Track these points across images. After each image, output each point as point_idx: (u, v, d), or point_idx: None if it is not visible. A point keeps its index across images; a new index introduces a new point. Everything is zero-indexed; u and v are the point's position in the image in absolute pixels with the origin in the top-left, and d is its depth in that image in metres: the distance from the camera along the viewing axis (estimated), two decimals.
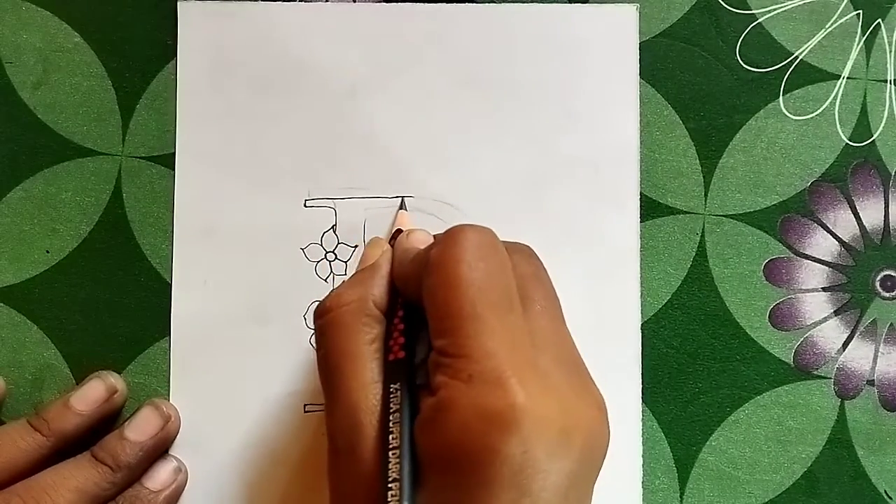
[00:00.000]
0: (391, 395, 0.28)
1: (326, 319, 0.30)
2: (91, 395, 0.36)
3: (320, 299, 0.38)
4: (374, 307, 0.30)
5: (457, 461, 0.25)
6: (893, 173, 0.40)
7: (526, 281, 0.29)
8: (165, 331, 0.38)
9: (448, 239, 0.28)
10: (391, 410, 0.27)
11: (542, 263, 0.31)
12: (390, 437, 0.27)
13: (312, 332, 0.38)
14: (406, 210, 0.38)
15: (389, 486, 0.26)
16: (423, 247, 0.31)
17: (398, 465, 0.26)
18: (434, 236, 0.33)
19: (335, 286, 0.38)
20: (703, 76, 0.39)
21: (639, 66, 0.39)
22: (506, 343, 0.26)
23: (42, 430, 0.35)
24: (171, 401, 0.38)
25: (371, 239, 0.34)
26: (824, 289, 0.39)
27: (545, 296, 0.29)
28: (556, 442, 0.25)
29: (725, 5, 0.39)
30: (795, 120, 0.39)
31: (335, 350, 0.29)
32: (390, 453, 0.26)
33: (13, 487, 0.34)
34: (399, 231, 0.34)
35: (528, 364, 0.26)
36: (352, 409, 0.28)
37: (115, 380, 0.37)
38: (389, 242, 0.34)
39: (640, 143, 0.39)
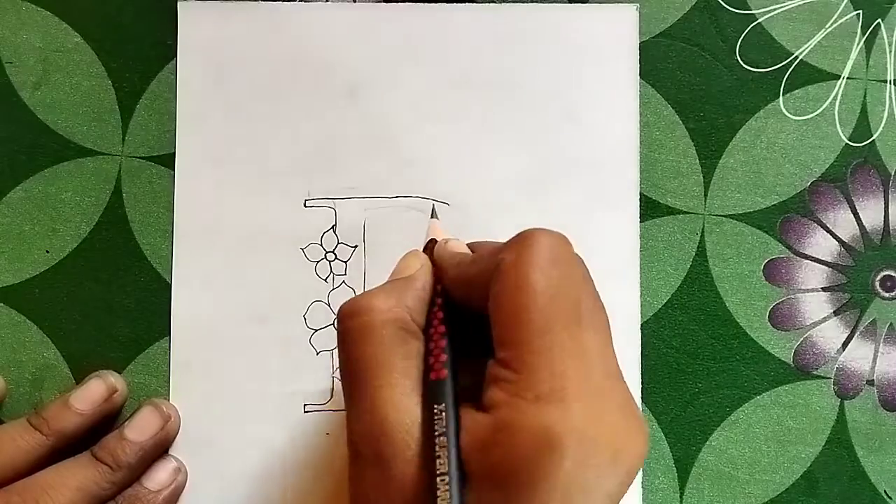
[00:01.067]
0: (435, 417, 0.26)
1: (356, 322, 0.28)
2: (91, 394, 0.36)
3: (320, 299, 0.38)
4: (410, 320, 0.29)
5: (510, 480, 0.25)
6: (893, 173, 0.40)
7: (586, 294, 0.28)
8: (165, 331, 0.38)
9: (521, 242, 0.27)
10: (436, 433, 0.26)
11: (590, 276, 0.29)
12: (437, 462, 0.26)
13: (313, 332, 0.38)
14: (437, 218, 0.37)
15: None
16: (464, 252, 0.30)
17: (447, 493, 0.25)
18: (468, 245, 0.32)
19: (335, 286, 0.38)
20: (703, 76, 0.39)
21: (639, 66, 0.39)
22: (571, 362, 0.26)
23: (42, 429, 0.35)
24: (171, 401, 0.38)
25: (409, 251, 0.32)
26: (824, 289, 0.39)
27: (596, 309, 0.28)
28: (606, 465, 0.25)
29: (725, 5, 0.39)
30: (795, 120, 0.39)
31: (365, 357, 0.28)
32: (439, 479, 0.25)
33: (13, 486, 0.34)
34: (433, 241, 0.33)
35: (587, 385, 0.26)
36: (381, 423, 0.27)
37: (115, 379, 0.37)
38: (424, 252, 0.33)
39: (640, 143, 0.39)
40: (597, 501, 0.25)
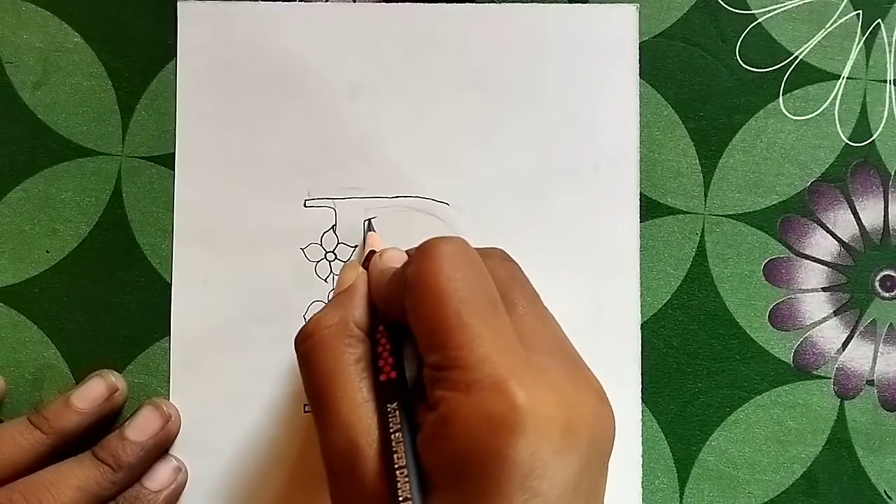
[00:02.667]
0: (389, 416, 0.28)
1: (309, 344, 0.30)
2: (91, 393, 0.36)
3: (320, 299, 0.38)
4: (355, 328, 0.30)
5: (465, 472, 0.25)
6: (893, 173, 0.40)
7: (505, 284, 0.29)
8: (165, 331, 0.38)
9: (422, 254, 0.28)
10: (391, 430, 0.27)
11: (517, 264, 0.31)
12: (395, 456, 0.27)
13: None
14: (374, 231, 0.38)
15: None
16: (398, 264, 0.31)
17: (407, 485, 0.26)
18: (406, 252, 0.33)
19: (335, 286, 0.38)
20: (702, 76, 0.39)
21: (639, 66, 0.39)
22: (497, 347, 0.26)
23: (42, 428, 0.35)
24: (171, 401, 0.38)
25: (344, 264, 0.35)
26: (824, 289, 0.39)
27: (525, 296, 0.30)
28: (561, 439, 0.25)
29: (725, 5, 0.39)
30: (795, 120, 0.39)
31: (321, 373, 0.29)
32: (398, 472, 0.26)
33: (14, 484, 0.34)
34: (372, 252, 0.34)
35: (522, 364, 0.26)
36: (346, 431, 0.28)
37: (115, 378, 0.37)
38: (363, 265, 0.34)
39: (640, 143, 0.39)
40: (565, 478, 0.25)
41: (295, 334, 0.31)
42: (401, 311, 0.29)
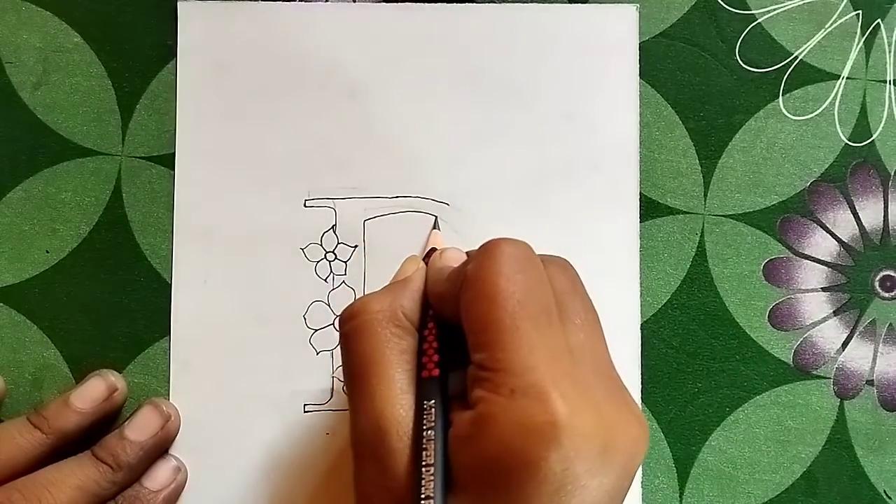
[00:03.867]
0: (424, 412, 0.27)
1: (354, 324, 0.29)
2: (91, 393, 0.36)
3: (320, 299, 0.38)
4: (404, 318, 0.30)
5: (495, 477, 0.25)
6: (893, 173, 0.40)
7: (563, 294, 0.29)
8: (165, 331, 0.38)
9: (484, 253, 0.28)
10: (424, 427, 0.27)
11: (578, 276, 0.30)
12: (424, 454, 0.26)
13: (313, 332, 0.38)
14: (439, 229, 0.38)
15: (422, 503, 0.26)
16: (456, 265, 0.31)
17: (432, 483, 0.26)
18: (467, 253, 0.33)
19: (335, 286, 0.38)
20: (702, 76, 0.39)
21: (639, 66, 0.39)
22: (546, 357, 0.26)
23: (42, 428, 0.35)
24: (171, 401, 0.38)
25: (409, 256, 0.34)
26: (824, 289, 0.39)
27: (583, 309, 0.29)
28: (596, 458, 0.25)
29: (725, 5, 0.39)
30: (795, 120, 0.39)
31: (362, 356, 0.29)
32: (423, 470, 0.26)
33: (13, 483, 0.34)
34: (433, 250, 0.34)
35: (568, 378, 0.26)
36: (377, 418, 0.27)
37: (115, 378, 0.37)
38: (423, 260, 0.34)
39: (640, 143, 0.39)
40: (594, 498, 0.25)
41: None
42: (454, 309, 0.28)
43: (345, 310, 0.30)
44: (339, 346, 0.30)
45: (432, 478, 0.26)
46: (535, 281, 0.28)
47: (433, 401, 0.28)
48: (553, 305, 0.28)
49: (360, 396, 0.28)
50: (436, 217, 0.38)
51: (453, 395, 0.28)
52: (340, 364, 0.30)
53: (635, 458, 0.27)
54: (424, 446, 0.27)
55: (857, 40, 0.40)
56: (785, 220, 0.39)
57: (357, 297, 0.30)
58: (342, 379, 0.30)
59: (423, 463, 0.26)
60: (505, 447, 0.25)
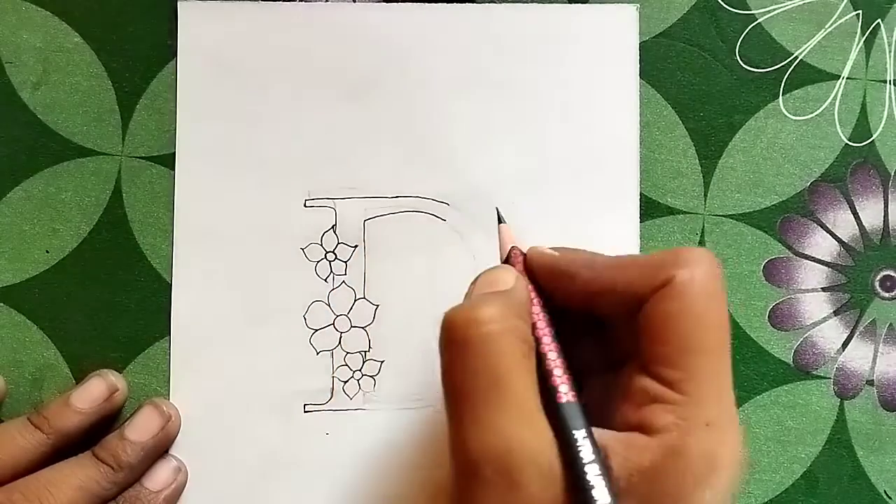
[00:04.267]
0: (578, 445, 0.25)
1: (476, 333, 0.26)
2: (91, 393, 0.36)
3: (320, 299, 0.38)
4: (529, 334, 0.27)
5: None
6: (893, 173, 0.40)
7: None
8: (165, 331, 0.38)
9: (696, 262, 0.27)
10: (584, 462, 0.25)
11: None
12: (591, 492, 0.24)
13: (313, 332, 0.38)
14: (505, 222, 0.34)
15: None
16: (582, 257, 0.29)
17: None
18: (562, 251, 0.31)
19: (335, 286, 0.38)
20: (702, 76, 0.39)
21: (639, 66, 0.39)
22: (729, 389, 0.26)
23: (42, 428, 0.35)
24: (171, 401, 0.38)
25: (496, 266, 0.30)
26: (824, 289, 0.39)
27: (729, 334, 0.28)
28: (728, 486, 0.25)
29: (725, 5, 0.39)
30: (795, 120, 0.39)
31: (487, 371, 0.26)
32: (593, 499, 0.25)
33: (14, 484, 0.34)
34: (515, 248, 0.31)
35: (734, 410, 0.26)
36: (510, 441, 0.25)
37: (115, 378, 0.37)
38: (504, 261, 0.31)
39: (640, 143, 0.39)
40: None
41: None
42: (621, 304, 0.27)
43: (454, 314, 0.27)
44: (442, 354, 0.27)
45: None
46: (725, 303, 0.27)
47: (582, 429, 0.26)
48: (729, 330, 0.27)
49: (481, 416, 0.25)
50: (497, 209, 0.36)
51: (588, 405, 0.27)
52: (445, 375, 0.27)
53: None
54: (590, 483, 0.25)
55: (857, 40, 0.40)
56: (785, 220, 0.39)
57: (462, 304, 0.27)
58: (446, 392, 0.27)
59: (593, 499, 0.24)
60: (691, 478, 0.24)
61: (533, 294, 0.29)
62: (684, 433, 0.25)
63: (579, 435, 0.25)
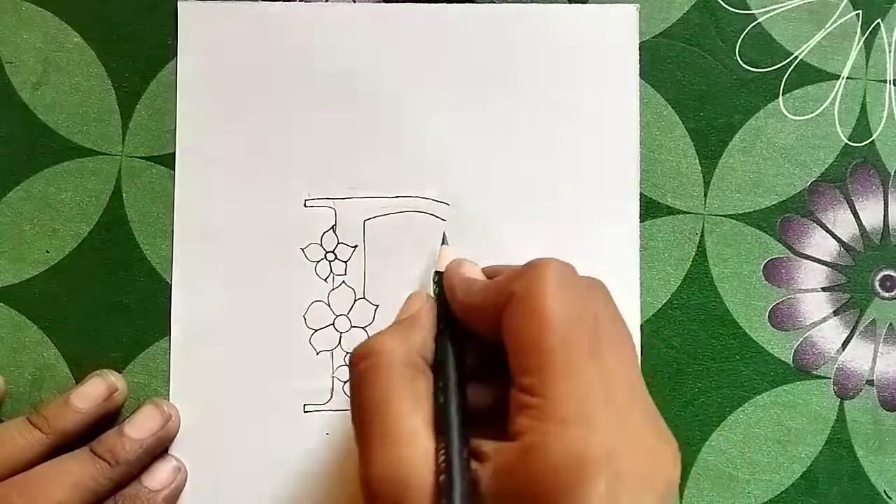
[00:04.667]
0: (440, 453, 0.27)
1: (367, 364, 0.29)
2: (91, 393, 0.36)
3: (320, 299, 0.38)
4: (418, 357, 0.29)
5: None
6: (893, 173, 0.40)
7: (600, 318, 0.28)
8: (165, 331, 0.38)
9: (534, 272, 0.28)
10: (443, 464, 0.26)
11: (611, 297, 0.30)
12: (455, 494, 0.25)
13: (313, 332, 0.38)
14: (447, 244, 0.37)
15: None
16: (475, 277, 0.31)
17: None
18: (486, 269, 0.33)
19: (335, 286, 0.38)
20: (702, 76, 0.39)
21: (639, 66, 0.39)
22: (594, 385, 0.26)
23: (41, 428, 0.35)
24: (171, 400, 0.38)
25: (412, 293, 0.33)
26: (824, 289, 0.39)
27: (617, 333, 0.29)
28: (638, 486, 0.25)
29: (725, 5, 0.39)
30: (795, 120, 0.39)
31: (375, 397, 0.28)
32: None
33: (11, 480, 0.34)
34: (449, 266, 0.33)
35: (612, 406, 0.26)
36: (396, 464, 0.27)
37: (115, 378, 0.37)
38: (434, 280, 0.33)
39: (640, 143, 0.39)
40: None
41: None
42: (488, 324, 0.28)
43: (355, 350, 0.29)
44: (350, 385, 0.29)
45: None
46: (581, 305, 0.27)
47: (447, 437, 0.27)
48: (600, 328, 0.27)
49: (373, 440, 0.27)
50: (444, 232, 0.38)
51: (480, 418, 0.28)
52: (351, 406, 0.29)
53: (673, 483, 0.27)
54: (448, 486, 0.26)
55: (857, 40, 0.40)
56: (785, 220, 0.39)
57: (367, 338, 0.30)
58: (353, 418, 0.29)
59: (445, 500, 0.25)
60: (554, 477, 0.24)
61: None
62: (538, 433, 0.25)
63: (443, 446, 0.27)
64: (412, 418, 0.27)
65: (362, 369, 0.29)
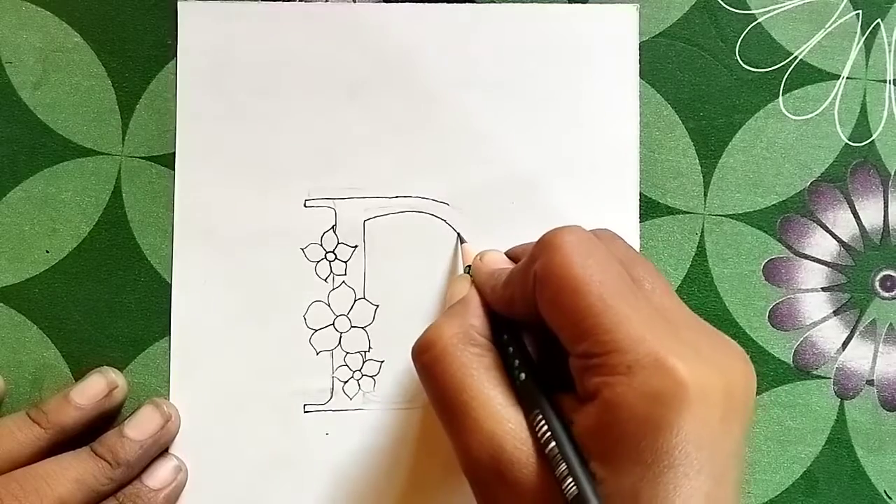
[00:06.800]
0: (537, 423, 0.27)
1: (432, 354, 0.29)
2: (91, 389, 0.36)
3: (320, 299, 0.38)
4: (478, 336, 0.30)
5: (637, 454, 0.25)
6: (893, 173, 0.40)
7: (626, 263, 0.29)
8: (165, 331, 0.38)
9: (547, 247, 0.28)
10: (540, 435, 0.27)
11: (626, 241, 0.31)
12: (555, 460, 0.26)
13: (313, 332, 0.38)
14: (466, 242, 0.38)
15: None
16: (504, 265, 0.31)
17: (574, 485, 0.25)
18: (508, 252, 0.33)
19: (335, 286, 0.38)
20: (702, 76, 0.39)
21: (639, 66, 0.39)
22: (646, 325, 0.26)
23: (41, 423, 0.35)
24: (171, 400, 0.38)
25: (455, 277, 0.34)
26: (824, 289, 0.39)
27: (648, 272, 0.29)
28: (724, 407, 0.25)
29: (725, 5, 0.39)
30: (795, 120, 0.39)
31: (451, 382, 0.29)
32: (562, 470, 0.26)
33: (12, 474, 0.34)
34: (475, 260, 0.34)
35: (673, 339, 0.26)
36: (488, 439, 0.27)
37: (115, 376, 0.37)
38: (467, 271, 0.34)
39: (640, 143, 0.39)
40: (731, 448, 0.25)
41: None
42: (526, 310, 0.28)
43: (417, 343, 0.30)
44: (421, 382, 0.30)
45: (572, 480, 0.25)
46: (605, 259, 0.28)
47: (537, 409, 0.27)
48: (627, 276, 0.28)
49: (462, 423, 0.28)
50: (458, 233, 0.38)
51: (558, 391, 0.28)
52: (429, 400, 0.30)
53: (752, 394, 0.27)
54: (550, 452, 0.26)
55: (857, 40, 0.40)
56: (785, 220, 0.39)
57: (424, 330, 0.30)
58: (435, 410, 0.29)
59: (561, 474, 0.26)
60: (641, 422, 0.25)
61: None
62: (611, 387, 0.25)
63: (536, 413, 0.27)
64: (493, 395, 0.28)
65: (427, 360, 0.29)
